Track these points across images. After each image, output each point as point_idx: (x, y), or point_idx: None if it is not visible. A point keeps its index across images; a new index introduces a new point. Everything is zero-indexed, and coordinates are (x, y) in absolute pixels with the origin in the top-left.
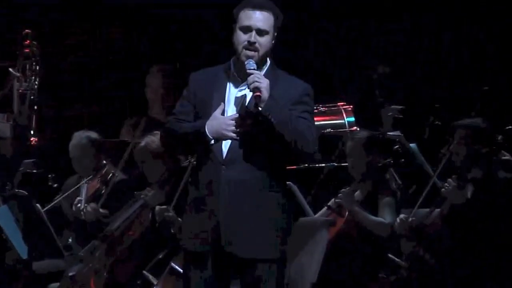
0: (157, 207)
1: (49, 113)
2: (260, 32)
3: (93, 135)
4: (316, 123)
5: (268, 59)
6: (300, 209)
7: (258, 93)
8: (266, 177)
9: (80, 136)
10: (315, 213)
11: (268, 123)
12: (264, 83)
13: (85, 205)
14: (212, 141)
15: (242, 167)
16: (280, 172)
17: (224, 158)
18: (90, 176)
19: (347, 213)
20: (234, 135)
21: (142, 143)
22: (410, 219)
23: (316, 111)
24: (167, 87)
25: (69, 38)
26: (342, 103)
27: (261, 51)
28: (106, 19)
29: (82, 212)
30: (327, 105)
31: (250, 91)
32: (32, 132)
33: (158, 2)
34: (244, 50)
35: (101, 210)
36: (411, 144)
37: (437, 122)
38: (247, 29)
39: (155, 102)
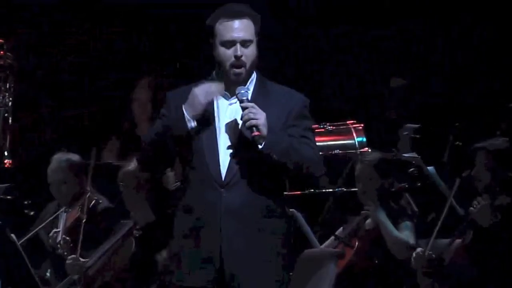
0: (158, 256)
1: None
2: (245, 44)
3: (74, 157)
4: (323, 143)
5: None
6: (305, 239)
7: (256, 133)
8: (269, 202)
9: (59, 159)
10: (321, 243)
11: (269, 157)
12: (261, 119)
13: (63, 236)
14: (192, 124)
15: (244, 190)
16: (282, 195)
17: (223, 180)
18: (69, 204)
19: (357, 243)
20: (204, 99)
21: (131, 167)
22: (427, 253)
23: (323, 130)
24: (157, 101)
25: (69, 38)
26: (352, 122)
27: (248, 64)
28: (106, 19)
29: (59, 245)
30: (335, 123)
31: (247, 128)
32: (6, 153)
33: (158, 2)
34: (231, 68)
35: (81, 259)
36: (428, 167)
37: (457, 143)
38: (230, 43)
39: (142, 118)
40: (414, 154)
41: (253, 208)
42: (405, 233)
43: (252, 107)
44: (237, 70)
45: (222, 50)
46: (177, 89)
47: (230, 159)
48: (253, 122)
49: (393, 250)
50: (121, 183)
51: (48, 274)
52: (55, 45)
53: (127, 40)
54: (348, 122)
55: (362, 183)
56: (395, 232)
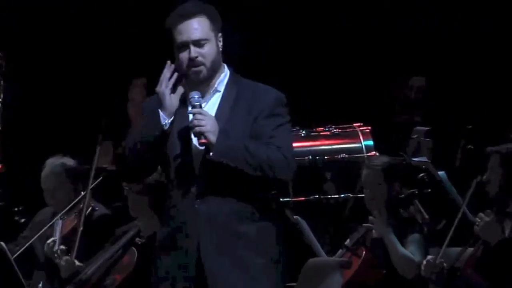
0: None
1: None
2: (199, 43)
3: (69, 162)
4: (328, 147)
5: (226, 67)
6: (309, 248)
7: (203, 140)
8: (247, 207)
9: (53, 164)
10: (327, 252)
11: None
12: (207, 125)
13: (60, 246)
14: (168, 121)
15: (219, 198)
16: (261, 199)
17: (197, 189)
18: (66, 210)
19: (364, 252)
20: (165, 89)
21: None
22: (438, 260)
23: (328, 133)
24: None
25: (64, 38)
26: (359, 124)
27: (208, 63)
28: (103, 17)
29: (56, 255)
30: (341, 126)
31: (194, 136)
32: None
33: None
34: (189, 68)
35: (77, 262)
36: (439, 172)
37: (469, 146)
38: (183, 46)
39: (137, 120)
40: (424, 159)
41: (229, 214)
42: (412, 248)
43: (199, 113)
44: (195, 69)
45: (178, 54)
46: (150, 97)
47: (201, 166)
48: (197, 129)
49: (398, 269)
50: (125, 187)
51: (40, 285)
52: (49, 43)
53: (124, 38)
54: (354, 124)
55: (369, 189)
56: (401, 249)
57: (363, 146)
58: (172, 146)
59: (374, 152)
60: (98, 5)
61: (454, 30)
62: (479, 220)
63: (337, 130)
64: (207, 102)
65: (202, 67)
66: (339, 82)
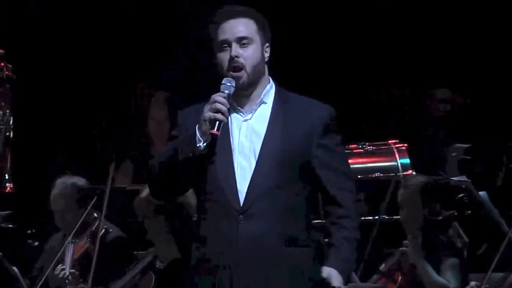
0: None
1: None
2: (242, 42)
3: (80, 181)
4: (362, 165)
5: (270, 80)
6: None
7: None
8: (294, 229)
9: (63, 184)
10: (360, 278)
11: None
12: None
13: (71, 270)
14: (201, 144)
15: (265, 217)
16: (307, 222)
17: (241, 206)
18: (76, 233)
19: (400, 277)
20: (210, 114)
21: (143, 194)
22: (483, 287)
23: (362, 150)
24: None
25: (78, 49)
26: (394, 141)
27: (249, 67)
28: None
29: (67, 281)
30: (375, 143)
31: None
32: (7, 176)
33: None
34: (228, 72)
35: None
36: (480, 192)
37: None
38: (224, 44)
39: (159, 137)
40: (464, 178)
41: (275, 236)
42: (448, 274)
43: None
44: (235, 74)
45: (217, 55)
46: (188, 107)
47: (249, 183)
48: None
49: None
50: (139, 214)
51: None
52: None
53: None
54: (390, 141)
55: (405, 210)
56: (434, 276)
57: (399, 165)
58: (215, 158)
59: (410, 171)
60: (97, 5)
61: (497, 43)
62: None
63: (371, 147)
64: (253, 114)
65: (242, 72)
66: (370, 96)
